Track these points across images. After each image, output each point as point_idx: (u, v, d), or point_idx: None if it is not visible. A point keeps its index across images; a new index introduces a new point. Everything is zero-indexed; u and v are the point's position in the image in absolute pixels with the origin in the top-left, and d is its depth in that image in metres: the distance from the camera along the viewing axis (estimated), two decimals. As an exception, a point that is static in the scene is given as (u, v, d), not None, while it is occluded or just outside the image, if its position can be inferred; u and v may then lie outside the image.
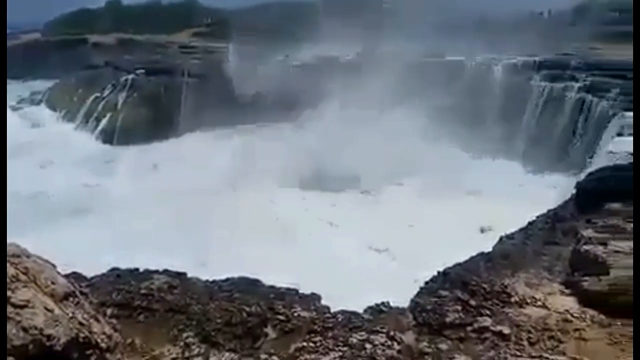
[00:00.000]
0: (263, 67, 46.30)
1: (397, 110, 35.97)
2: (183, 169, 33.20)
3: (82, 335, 4.83)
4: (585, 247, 8.25)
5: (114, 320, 6.87)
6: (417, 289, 8.62)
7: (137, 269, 8.20)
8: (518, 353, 6.49)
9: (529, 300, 7.48)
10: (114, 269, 8.28)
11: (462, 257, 9.64)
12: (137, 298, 7.35)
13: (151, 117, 44.49)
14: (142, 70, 48.23)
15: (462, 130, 33.70)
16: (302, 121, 39.69)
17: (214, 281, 8.04)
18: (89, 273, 8.24)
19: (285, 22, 57.51)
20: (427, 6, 43.80)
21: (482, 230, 23.32)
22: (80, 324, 5.30)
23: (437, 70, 38.14)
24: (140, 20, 65.08)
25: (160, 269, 8.20)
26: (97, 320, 5.94)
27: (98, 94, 47.79)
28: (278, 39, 52.32)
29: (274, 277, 9.02)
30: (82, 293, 6.27)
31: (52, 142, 41.68)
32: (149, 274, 7.97)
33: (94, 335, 5.32)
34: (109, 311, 7.08)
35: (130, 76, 47.73)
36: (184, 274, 8.08)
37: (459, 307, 7.34)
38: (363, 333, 6.96)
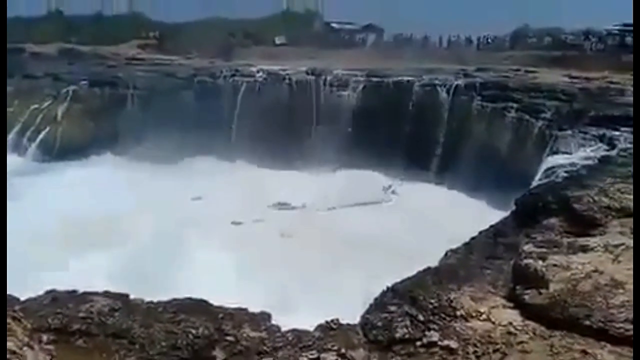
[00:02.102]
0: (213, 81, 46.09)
1: None
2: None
3: (13, 365, 4.52)
4: (526, 262, 8.57)
5: (50, 347, 6.48)
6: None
7: (75, 291, 7.77)
8: (465, 367, 6.62)
9: (474, 314, 7.66)
10: (50, 291, 7.81)
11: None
12: (76, 322, 6.94)
13: (93, 130, 42.85)
14: (85, 82, 46.49)
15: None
16: None
17: (158, 302, 7.74)
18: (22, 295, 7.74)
19: (237, 38, 57.51)
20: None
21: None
22: (12, 352, 4.96)
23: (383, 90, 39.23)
24: (84, 31, 63.09)
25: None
26: (31, 348, 5.59)
27: (37, 106, 45.50)
28: (228, 54, 52.26)
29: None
30: (14, 318, 5.89)
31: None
32: (88, 296, 7.58)
33: (27, 364, 4.99)
34: (45, 337, 6.66)
35: (72, 87, 45.85)
36: (126, 295, 7.74)
37: (408, 322, 7.42)
38: (313, 352, 6.88)
